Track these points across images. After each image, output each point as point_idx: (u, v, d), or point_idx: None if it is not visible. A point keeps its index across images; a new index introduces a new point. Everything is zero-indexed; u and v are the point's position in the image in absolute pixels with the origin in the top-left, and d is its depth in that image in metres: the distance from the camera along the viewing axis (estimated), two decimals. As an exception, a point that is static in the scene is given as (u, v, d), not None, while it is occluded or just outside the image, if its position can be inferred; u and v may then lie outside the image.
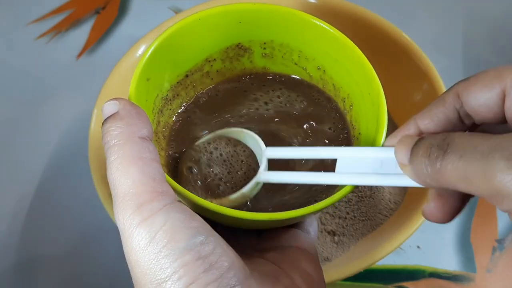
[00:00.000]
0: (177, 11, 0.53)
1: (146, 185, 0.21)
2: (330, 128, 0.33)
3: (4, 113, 0.48)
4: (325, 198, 0.26)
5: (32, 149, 0.46)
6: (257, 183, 0.29)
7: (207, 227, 0.22)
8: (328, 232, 0.38)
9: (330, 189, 0.30)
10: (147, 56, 0.28)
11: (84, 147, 0.40)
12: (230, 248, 0.22)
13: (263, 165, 0.29)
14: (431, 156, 0.21)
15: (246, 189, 0.29)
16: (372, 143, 0.27)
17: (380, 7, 0.44)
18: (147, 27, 0.41)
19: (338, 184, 0.27)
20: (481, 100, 0.22)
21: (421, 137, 0.23)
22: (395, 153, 0.23)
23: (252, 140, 0.30)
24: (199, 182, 0.30)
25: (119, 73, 0.41)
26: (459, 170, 0.20)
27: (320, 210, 0.26)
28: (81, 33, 0.52)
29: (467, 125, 0.24)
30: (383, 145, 0.26)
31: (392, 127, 0.43)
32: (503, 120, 0.22)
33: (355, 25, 0.42)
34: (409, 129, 0.24)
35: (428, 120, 0.24)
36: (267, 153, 0.29)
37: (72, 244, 0.41)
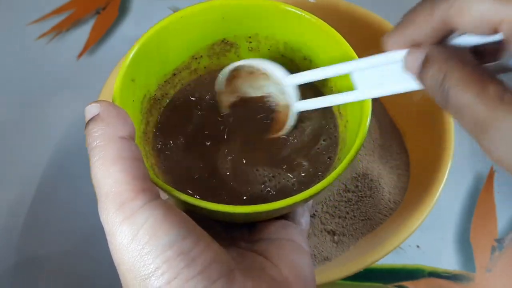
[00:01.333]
0: (177, 11, 0.54)
1: (128, 184, 0.21)
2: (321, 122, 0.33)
3: (4, 113, 0.48)
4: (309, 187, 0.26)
5: (32, 149, 0.46)
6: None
7: (190, 222, 0.22)
8: (328, 232, 0.38)
9: (316, 179, 0.30)
10: (130, 57, 0.29)
11: (85, 147, 0.40)
12: (214, 241, 0.22)
13: (293, 93, 0.31)
14: (438, 83, 0.22)
15: (290, 123, 0.31)
16: (357, 129, 0.28)
17: (380, 7, 0.44)
18: (147, 27, 0.41)
19: (362, 99, 0.28)
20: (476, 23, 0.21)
21: (427, 54, 0.23)
22: (406, 64, 0.24)
23: (273, 68, 0.31)
24: None
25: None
26: (455, 106, 0.21)
27: (304, 200, 0.26)
28: (82, 33, 0.52)
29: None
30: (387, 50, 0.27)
31: (391, 126, 0.43)
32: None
33: (354, 25, 0.42)
34: (402, 39, 0.25)
35: (418, 35, 0.24)
36: (293, 80, 0.31)
37: (72, 244, 0.41)
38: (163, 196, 0.23)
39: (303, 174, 0.31)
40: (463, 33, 0.23)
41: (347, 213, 0.38)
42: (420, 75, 0.23)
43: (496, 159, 0.20)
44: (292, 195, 0.26)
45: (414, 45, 0.24)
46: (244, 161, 0.31)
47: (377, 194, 0.39)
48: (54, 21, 0.53)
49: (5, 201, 0.43)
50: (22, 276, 0.40)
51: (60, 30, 0.53)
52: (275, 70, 0.31)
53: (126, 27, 0.53)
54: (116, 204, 0.21)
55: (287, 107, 0.32)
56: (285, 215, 0.29)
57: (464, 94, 0.20)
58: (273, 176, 0.31)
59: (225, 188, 0.30)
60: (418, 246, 0.41)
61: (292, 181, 0.30)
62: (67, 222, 0.42)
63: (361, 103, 0.28)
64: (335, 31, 0.30)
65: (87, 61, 0.51)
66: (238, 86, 0.33)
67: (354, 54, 0.30)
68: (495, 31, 0.21)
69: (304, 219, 0.30)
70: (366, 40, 0.34)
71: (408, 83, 0.25)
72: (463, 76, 0.21)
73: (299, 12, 0.31)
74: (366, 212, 0.38)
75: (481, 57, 0.23)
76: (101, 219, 0.22)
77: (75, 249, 0.41)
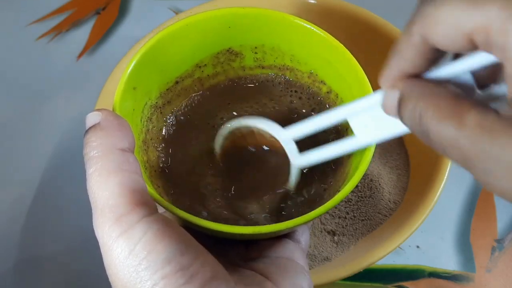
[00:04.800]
0: (177, 11, 0.54)
1: (125, 197, 0.21)
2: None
3: (4, 113, 0.48)
4: (313, 208, 0.26)
5: (32, 150, 0.46)
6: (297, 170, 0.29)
7: (188, 237, 0.21)
8: (328, 232, 0.38)
9: (321, 199, 0.30)
10: (132, 65, 0.28)
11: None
12: (213, 258, 0.22)
13: (293, 148, 0.29)
14: (416, 122, 0.21)
15: (291, 181, 0.30)
16: (360, 157, 0.27)
17: (381, 8, 0.44)
18: (147, 27, 0.41)
19: (365, 145, 0.27)
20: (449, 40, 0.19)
21: (400, 92, 0.22)
22: (384, 107, 0.23)
23: (267, 126, 0.30)
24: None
25: (119, 73, 0.41)
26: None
27: (306, 222, 0.25)
28: (82, 34, 0.52)
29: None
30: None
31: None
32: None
33: (356, 26, 0.42)
34: (392, 73, 0.23)
35: (407, 66, 0.22)
36: (289, 135, 0.29)
37: (72, 244, 0.41)
38: (161, 210, 0.23)
39: (305, 196, 0.30)
40: (446, 52, 0.21)
41: (347, 213, 0.38)
42: (399, 116, 0.22)
43: (497, 192, 0.18)
44: (294, 217, 0.25)
45: (408, 77, 0.22)
46: (245, 183, 0.31)
47: (377, 194, 0.39)
48: (54, 21, 0.53)
49: (5, 201, 0.43)
50: (22, 276, 0.40)
51: (60, 30, 0.53)
52: (270, 127, 0.30)
53: (126, 27, 0.53)
54: (113, 218, 0.20)
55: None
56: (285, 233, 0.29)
57: (443, 130, 0.19)
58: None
59: (225, 206, 0.30)
60: (418, 247, 0.41)
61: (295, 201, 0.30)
62: (67, 222, 0.42)
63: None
64: (344, 47, 0.29)
65: (87, 61, 0.51)
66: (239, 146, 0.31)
67: (362, 71, 0.29)
68: (472, 43, 0.19)
69: (303, 237, 0.29)
70: (367, 42, 0.34)
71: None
72: (438, 111, 0.19)
73: (307, 25, 0.30)
74: (366, 212, 0.39)
75: (482, 86, 0.22)
76: (96, 233, 0.21)
77: (75, 249, 0.41)
